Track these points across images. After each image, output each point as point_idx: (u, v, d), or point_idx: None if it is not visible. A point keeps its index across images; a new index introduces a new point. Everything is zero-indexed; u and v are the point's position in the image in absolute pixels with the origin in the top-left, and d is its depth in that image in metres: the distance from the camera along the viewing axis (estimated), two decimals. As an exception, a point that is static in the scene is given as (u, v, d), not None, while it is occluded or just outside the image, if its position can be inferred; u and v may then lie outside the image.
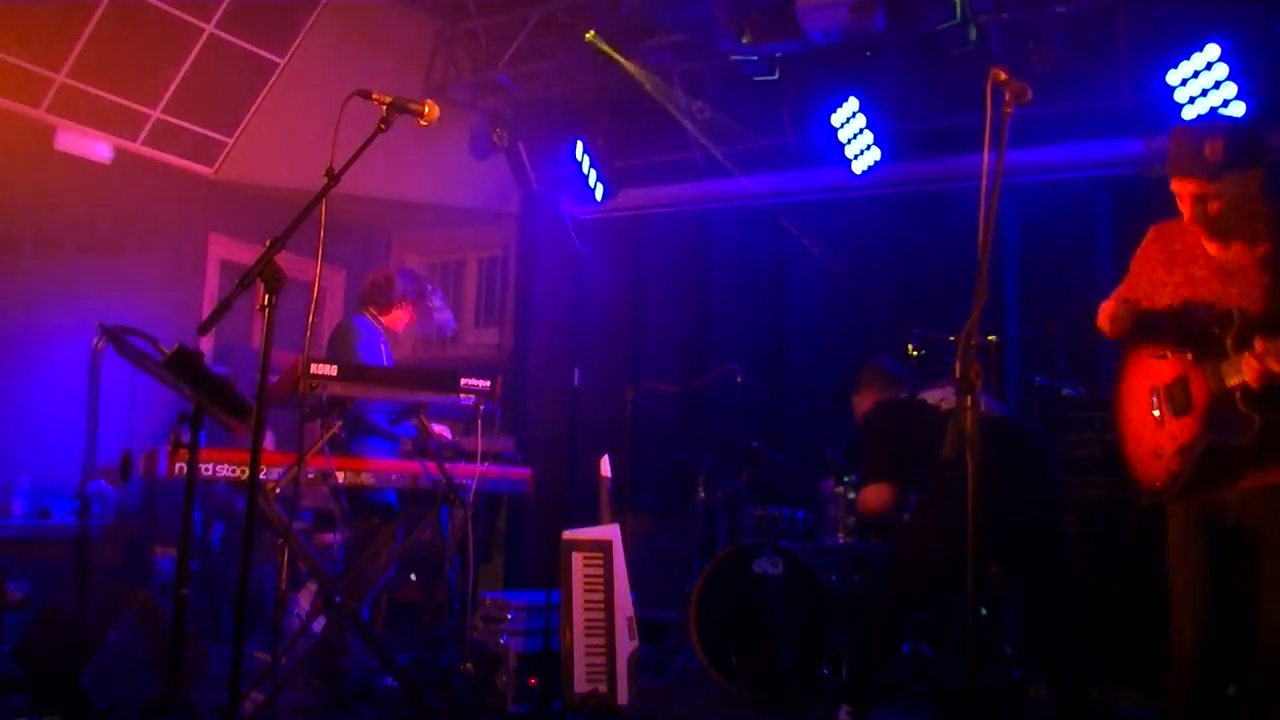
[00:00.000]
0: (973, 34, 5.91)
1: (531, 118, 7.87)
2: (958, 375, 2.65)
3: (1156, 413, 3.13)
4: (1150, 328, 3.19)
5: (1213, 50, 5.59)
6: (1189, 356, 3.07)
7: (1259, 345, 2.82)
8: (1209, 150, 2.94)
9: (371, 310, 5.29)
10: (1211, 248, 3.09)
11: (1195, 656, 3.04)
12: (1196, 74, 5.69)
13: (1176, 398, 3.07)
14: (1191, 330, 3.06)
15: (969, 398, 2.62)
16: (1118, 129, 6.33)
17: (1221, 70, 5.57)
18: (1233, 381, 2.91)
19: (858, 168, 6.82)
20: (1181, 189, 3.02)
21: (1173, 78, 5.74)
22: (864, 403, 5.07)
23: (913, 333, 5.17)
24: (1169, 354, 3.13)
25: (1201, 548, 3.07)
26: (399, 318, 5.38)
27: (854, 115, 6.68)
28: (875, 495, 4.64)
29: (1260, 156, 3.01)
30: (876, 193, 7.09)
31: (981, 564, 2.62)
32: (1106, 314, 3.27)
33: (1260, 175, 3.01)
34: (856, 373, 5.15)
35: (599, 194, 7.72)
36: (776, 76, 6.68)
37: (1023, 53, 5.90)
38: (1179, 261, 3.15)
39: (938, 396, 4.55)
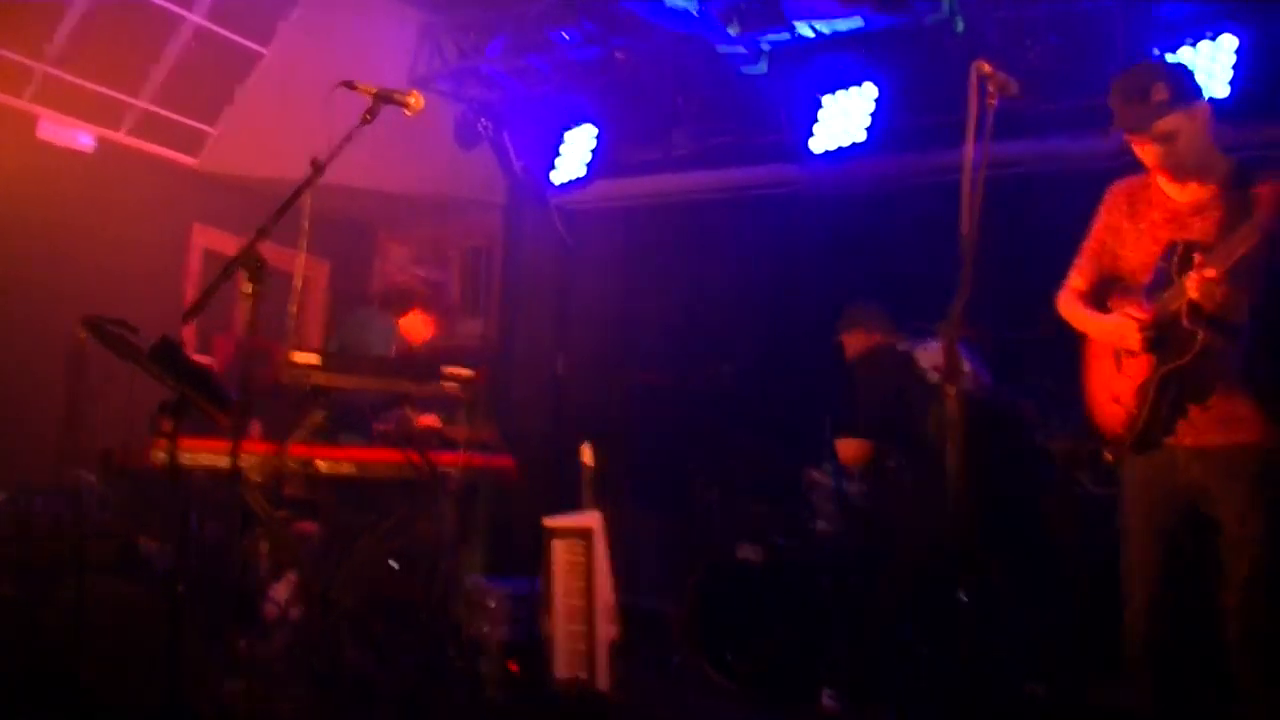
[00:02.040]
0: (960, 26, 5.92)
1: (517, 108, 7.85)
2: (942, 365, 2.68)
3: (1116, 360, 3.17)
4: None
5: (1206, 45, 5.61)
6: (1143, 297, 3.12)
7: (1198, 259, 2.89)
8: (1156, 93, 2.98)
9: (389, 314, 5.37)
10: (1171, 191, 3.13)
11: (1142, 629, 3.07)
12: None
13: None
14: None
15: (953, 390, 2.65)
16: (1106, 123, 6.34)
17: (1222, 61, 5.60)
18: (1176, 305, 2.94)
19: (815, 145, 6.83)
20: (1140, 139, 3.06)
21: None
22: (855, 343, 5.05)
23: (899, 324, 5.18)
24: (1130, 302, 3.18)
25: (1150, 519, 3.10)
26: (415, 323, 5.43)
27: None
28: (851, 450, 4.68)
29: (1199, 89, 3.07)
30: (865, 185, 7.10)
31: (973, 557, 2.63)
32: (1065, 307, 3.39)
33: (1206, 108, 3.06)
34: (846, 311, 5.16)
35: (558, 177, 7.72)
36: (765, 69, 6.68)
37: (1013, 47, 5.91)
38: (1140, 210, 3.19)
39: (929, 360, 4.55)
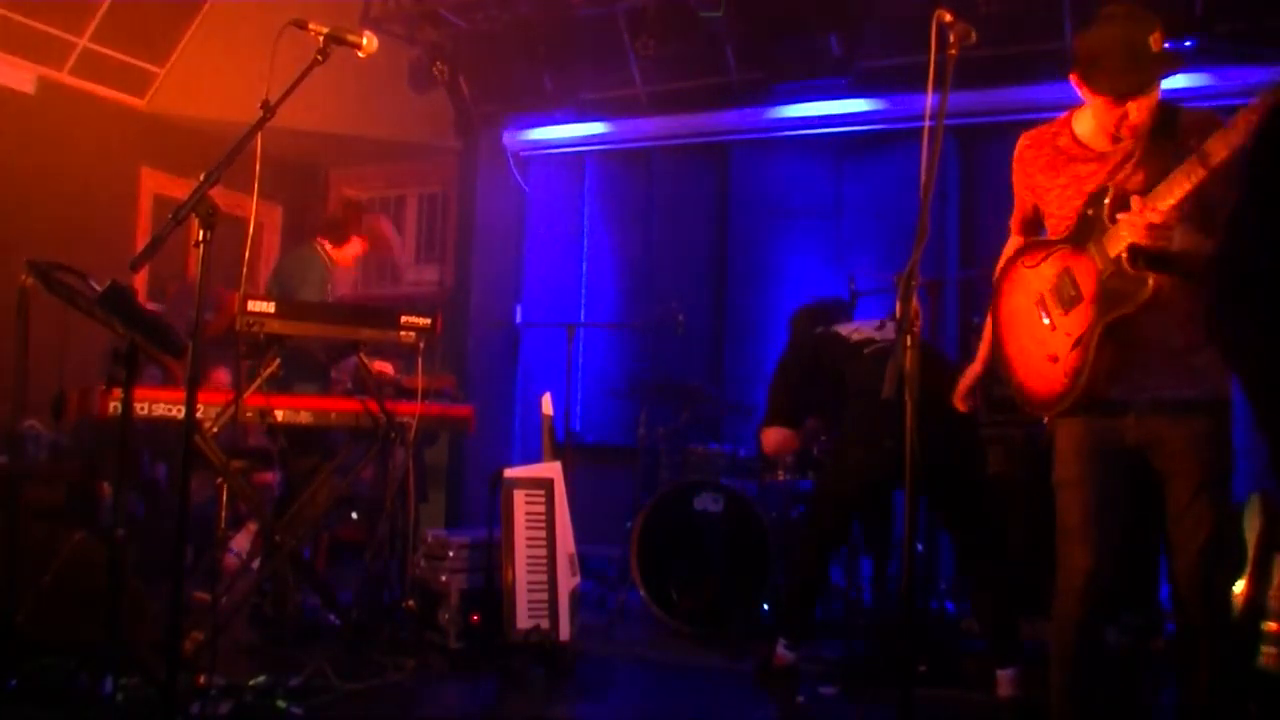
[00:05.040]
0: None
1: (473, 51, 7.72)
2: (898, 315, 2.68)
3: (1046, 320, 2.99)
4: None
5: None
6: (1067, 249, 2.94)
7: (1135, 203, 2.69)
8: (1154, 42, 2.67)
9: (323, 243, 5.29)
10: (1096, 140, 2.94)
11: (1085, 585, 2.95)
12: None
13: (1064, 292, 2.94)
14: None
15: (908, 338, 2.65)
16: (1061, 72, 6.36)
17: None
18: (1116, 250, 2.78)
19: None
20: (1139, 100, 2.78)
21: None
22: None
23: (854, 273, 5.21)
24: (1044, 257, 3.02)
25: (1096, 470, 2.96)
26: (350, 251, 5.38)
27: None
28: (771, 439, 4.85)
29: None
30: (818, 132, 7.09)
31: (916, 499, 2.65)
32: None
33: None
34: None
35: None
36: (721, 13, 6.61)
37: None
38: (1060, 163, 3.01)
39: (849, 329, 4.66)
